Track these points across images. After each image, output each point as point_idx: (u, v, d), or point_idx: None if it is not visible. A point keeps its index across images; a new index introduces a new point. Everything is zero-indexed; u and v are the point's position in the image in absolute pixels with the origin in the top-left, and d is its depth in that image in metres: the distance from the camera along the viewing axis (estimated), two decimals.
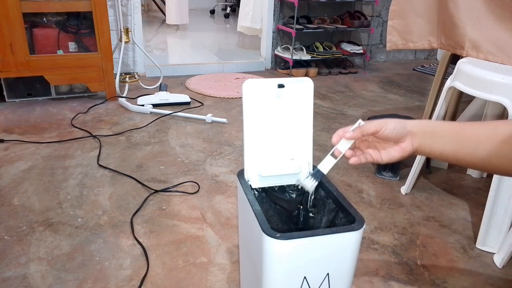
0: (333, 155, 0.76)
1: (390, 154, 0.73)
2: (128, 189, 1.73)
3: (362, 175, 1.95)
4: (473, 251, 1.46)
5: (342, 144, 0.75)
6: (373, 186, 1.86)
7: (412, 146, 0.71)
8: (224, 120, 2.45)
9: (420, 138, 0.71)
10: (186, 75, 3.36)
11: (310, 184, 0.78)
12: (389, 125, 0.70)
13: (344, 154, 0.76)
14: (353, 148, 0.77)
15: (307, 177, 0.78)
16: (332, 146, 0.78)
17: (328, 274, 0.79)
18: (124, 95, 2.80)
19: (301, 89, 0.88)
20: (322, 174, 0.78)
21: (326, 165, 0.78)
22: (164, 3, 5.53)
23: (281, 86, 0.86)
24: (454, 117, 2.05)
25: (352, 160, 0.75)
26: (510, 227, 1.41)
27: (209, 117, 2.44)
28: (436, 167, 2.05)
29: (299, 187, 0.79)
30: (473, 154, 0.68)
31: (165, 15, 5.57)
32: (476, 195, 1.83)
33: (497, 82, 1.35)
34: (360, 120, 0.74)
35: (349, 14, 3.67)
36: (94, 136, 2.18)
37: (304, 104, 0.89)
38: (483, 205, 1.46)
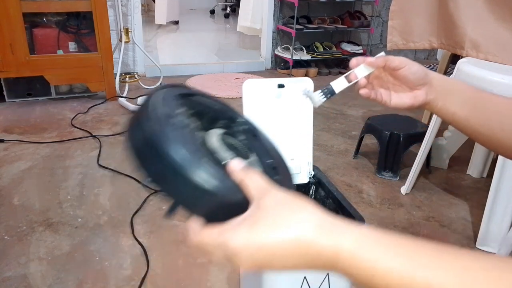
0: (347, 78, 0.69)
1: (401, 99, 0.68)
2: (128, 189, 1.73)
3: (362, 175, 1.95)
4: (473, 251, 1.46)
5: (361, 69, 0.68)
6: (373, 186, 1.86)
7: (426, 97, 0.66)
8: None
9: (437, 92, 0.67)
10: (186, 75, 3.36)
11: (317, 99, 0.69)
12: (413, 66, 0.65)
13: (358, 82, 0.69)
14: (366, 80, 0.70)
15: (317, 91, 0.70)
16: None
17: (328, 274, 0.79)
18: (124, 95, 2.80)
19: (301, 89, 0.88)
20: (333, 92, 0.69)
21: (338, 85, 0.69)
22: None
23: (281, 86, 0.86)
24: None
25: (363, 91, 0.69)
26: (510, 227, 1.41)
27: None
28: (436, 167, 2.05)
29: (305, 97, 0.70)
30: (484, 123, 0.65)
31: None
32: (476, 195, 1.83)
33: (497, 82, 1.35)
34: (383, 52, 0.69)
35: (349, 14, 3.67)
36: (94, 136, 2.18)
37: (304, 104, 0.89)
38: (483, 205, 1.46)
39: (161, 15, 4.86)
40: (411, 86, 0.67)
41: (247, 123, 0.54)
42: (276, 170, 0.48)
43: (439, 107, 0.67)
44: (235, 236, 0.37)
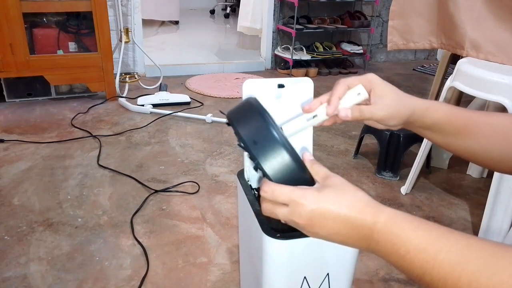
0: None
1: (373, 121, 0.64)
2: (128, 189, 1.73)
3: (362, 175, 1.95)
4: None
5: (321, 111, 0.61)
6: (373, 186, 1.86)
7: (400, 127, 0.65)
8: (224, 120, 2.44)
9: (414, 128, 0.65)
10: (186, 75, 3.36)
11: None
12: (394, 120, 0.61)
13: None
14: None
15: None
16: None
17: (328, 274, 0.79)
18: (124, 95, 2.80)
19: (301, 89, 0.88)
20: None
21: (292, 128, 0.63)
22: None
23: (281, 86, 0.86)
24: None
25: (328, 123, 0.64)
26: (510, 227, 1.41)
27: (209, 117, 2.44)
28: (436, 167, 2.05)
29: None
30: (465, 151, 0.64)
31: None
32: (476, 195, 1.83)
33: (497, 82, 1.35)
34: (360, 88, 0.60)
35: (349, 14, 3.67)
36: (94, 136, 2.18)
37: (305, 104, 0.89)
38: (483, 205, 1.46)
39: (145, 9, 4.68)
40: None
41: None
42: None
43: (416, 131, 0.66)
44: (304, 192, 0.49)
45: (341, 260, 0.79)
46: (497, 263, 0.39)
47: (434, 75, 2.18)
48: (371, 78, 0.61)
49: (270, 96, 0.88)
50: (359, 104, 0.61)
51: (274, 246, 0.73)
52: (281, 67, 3.65)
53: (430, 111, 0.62)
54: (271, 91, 0.87)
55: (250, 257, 0.91)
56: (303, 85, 0.88)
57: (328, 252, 0.76)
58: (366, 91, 0.60)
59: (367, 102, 0.61)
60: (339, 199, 0.48)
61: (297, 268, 0.76)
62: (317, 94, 0.68)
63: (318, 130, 2.40)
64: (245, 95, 0.85)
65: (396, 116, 0.61)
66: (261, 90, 0.86)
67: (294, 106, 0.89)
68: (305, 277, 0.78)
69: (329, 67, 3.69)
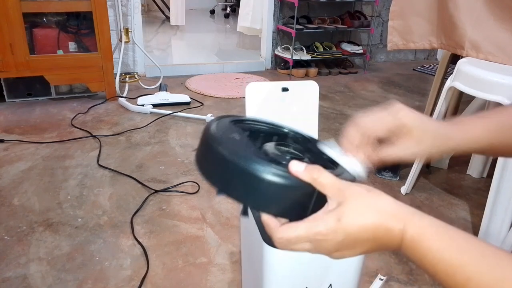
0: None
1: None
2: (128, 189, 1.73)
3: None
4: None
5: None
6: (373, 186, 1.85)
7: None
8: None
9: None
10: (186, 75, 3.36)
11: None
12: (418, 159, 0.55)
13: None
14: None
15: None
16: None
17: (331, 285, 0.78)
18: (124, 95, 2.79)
19: (306, 92, 0.87)
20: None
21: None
22: (164, 3, 5.52)
23: (285, 89, 0.86)
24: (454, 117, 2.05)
25: None
26: (510, 227, 1.41)
27: (209, 117, 2.44)
28: (436, 167, 2.05)
29: None
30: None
31: (165, 15, 5.57)
32: (476, 195, 1.83)
33: (497, 82, 1.35)
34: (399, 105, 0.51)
35: (349, 14, 3.66)
36: (94, 136, 2.18)
37: (309, 107, 0.89)
38: (483, 205, 1.46)
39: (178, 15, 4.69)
40: None
41: (293, 131, 0.56)
42: (335, 162, 0.49)
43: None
44: (324, 226, 0.41)
45: (344, 270, 0.78)
46: None
47: (434, 75, 2.17)
48: (401, 114, 0.51)
49: (274, 99, 0.87)
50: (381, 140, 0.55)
51: (275, 256, 0.72)
52: (281, 67, 3.65)
53: (470, 144, 0.54)
54: (275, 95, 0.87)
55: (251, 266, 0.90)
56: (308, 88, 0.88)
57: (331, 263, 0.76)
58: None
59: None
60: (363, 218, 0.42)
61: (299, 278, 0.75)
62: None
63: (318, 130, 2.40)
64: (248, 99, 0.85)
65: (422, 156, 0.54)
66: (264, 93, 0.86)
67: (299, 109, 0.89)
68: None
69: (329, 67, 3.69)
